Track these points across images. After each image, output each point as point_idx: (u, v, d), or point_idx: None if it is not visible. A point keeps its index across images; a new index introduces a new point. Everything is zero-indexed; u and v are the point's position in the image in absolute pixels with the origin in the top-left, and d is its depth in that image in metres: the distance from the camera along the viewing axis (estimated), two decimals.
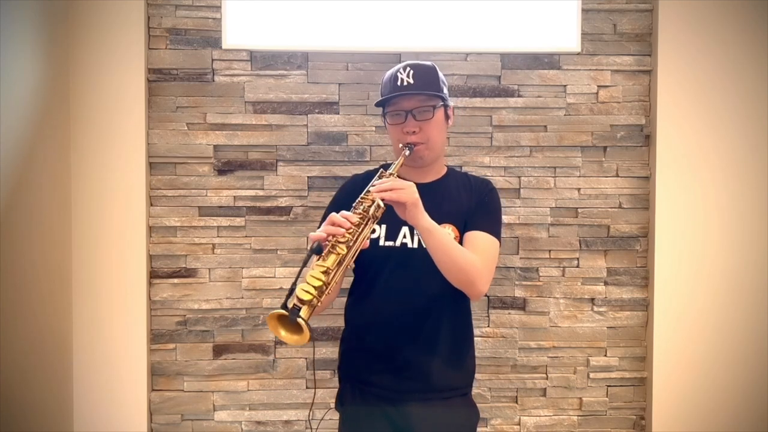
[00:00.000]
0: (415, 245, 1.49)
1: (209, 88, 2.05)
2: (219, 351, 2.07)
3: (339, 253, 1.24)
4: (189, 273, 2.06)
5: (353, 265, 1.27)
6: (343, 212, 1.31)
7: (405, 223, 1.47)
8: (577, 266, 2.11)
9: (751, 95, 2.07)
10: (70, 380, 1.99)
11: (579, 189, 2.10)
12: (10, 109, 1.65)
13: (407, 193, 1.32)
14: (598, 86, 2.10)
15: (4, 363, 1.62)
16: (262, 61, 2.05)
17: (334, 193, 2.02)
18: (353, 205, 1.35)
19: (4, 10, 1.62)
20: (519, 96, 2.09)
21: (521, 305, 2.10)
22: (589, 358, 2.12)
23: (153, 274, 2.05)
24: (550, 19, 2.07)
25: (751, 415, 2.09)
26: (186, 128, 2.05)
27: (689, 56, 2.06)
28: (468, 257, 1.40)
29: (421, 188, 1.37)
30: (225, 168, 2.05)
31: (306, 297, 1.17)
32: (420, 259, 1.47)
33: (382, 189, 1.32)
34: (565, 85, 2.09)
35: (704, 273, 2.08)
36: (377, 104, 1.55)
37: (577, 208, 2.10)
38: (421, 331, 1.49)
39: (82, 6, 1.97)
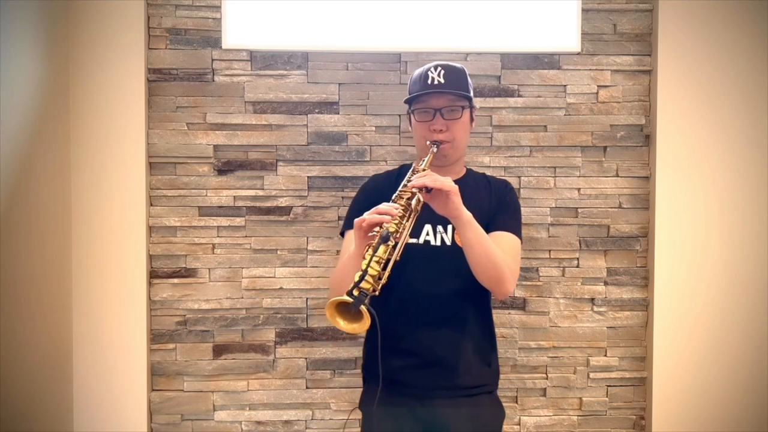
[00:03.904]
0: (438, 243, 1.51)
1: (209, 88, 2.05)
2: (219, 351, 2.07)
3: (389, 244, 1.25)
4: (189, 273, 2.06)
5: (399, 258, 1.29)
6: (387, 203, 1.31)
7: (427, 221, 1.49)
8: (577, 266, 2.11)
9: (751, 95, 2.07)
10: (70, 380, 1.99)
11: (579, 189, 2.10)
12: (10, 109, 1.65)
13: (449, 182, 1.33)
14: (598, 86, 2.10)
15: (4, 363, 1.62)
16: (262, 61, 2.05)
17: (334, 193, 2.06)
18: (392, 198, 1.36)
19: (4, 10, 1.62)
20: (519, 96, 2.09)
21: (521, 305, 2.10)
22: (589, 358, 2.12)
23: (153, 274, 2.05)
24: (550, 19, 2.07)
25: (751, 415, 2.09)
26: (186, 128, 2.05)
27: (689, 56, 2.06)
28: (501, 254, 1.41)
29: None
30: (225, 168, 2.05)
31: (366, 286, 1.19)
32: (442, 257, 1.48)
33: (423, 180, 1.32)
34: (565, 85, 2.09)
35: (704, 273, 2.08)
36: (406, 101, 1.57)
37: (577, 208, 2.10)
38: (446, 329, 1.50)
39: (82, 6, 1.97)
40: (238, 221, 2.06)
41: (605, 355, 2.12)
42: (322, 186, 2.07)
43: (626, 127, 2.10)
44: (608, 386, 2.13)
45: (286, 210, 2.07)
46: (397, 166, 1.73)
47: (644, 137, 2.11)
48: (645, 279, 2.12)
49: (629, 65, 2.10)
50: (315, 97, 2.06)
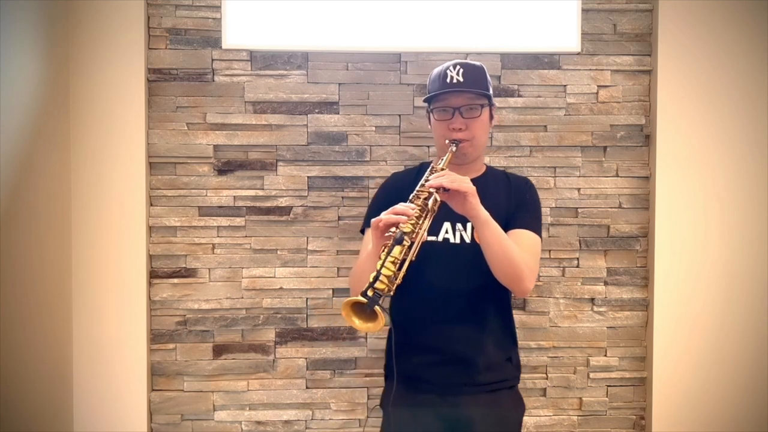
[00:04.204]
0: (457, 240, 1.52)
1: (209, 88, 2.05)
2: (219, 351, 2.07)
3: (404, 245, 1.27)
4: (189, 273, 2.06)
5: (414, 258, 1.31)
6: (404, 204, 1.33)
7: (446, 219, 1.50)
8: (577, 266, 2.11)
9: (751, 95, 2.07)
10: (70, 380, 1.99)
11: (579, 189, 2.10)
12: (10, 109, 1.65)
13: (467, 183, 1.35)
14: (598, 86, 2.10)
15: (4, 363, 1.62)
16: (262, 61, 2.05)
17: (334, 193, 2.06)
18: (410, 198, 1.37)
19: (4, 10, 1.62)
20: (519, 96, 2.09)
21: (521, 305, 2.10)
22: (589, 358, 2.12)
23: (153, 274, 2.05)
24: (550, 19, 2.07)
25: (751, 415, 2.09)
26: (186, 128, 2.05)
27: (689, 56, 2.06)
28: (519, 252, 1.42)
29: None
30: (225, 168, 2.05)
31: (380, 286, 1.22)
32: (461, 254, 1.50)
33: (440, 180, 1.34)
34: (565, 85, 2.09)
35: (704, 273, 2.08)
36: (425, 100, 1.58)
37: (577, 208, 2.10)
38: (466, 326, 1.52)
39: (82, 6, 1.97)
40: (238, 221, 2.06)
41: (605, 355, 2.12)
42: (322, 186, 2.07)
43: (626, 127, 2.10)
44: (608, 386, 2.13)
45: (286, 210, 2.07)
46: (417, 164, 1.73)
47: (644, 137, 2.11)
48: (645, 279, 2.12)
49: (629, 65, 2.10)
50: (315, 97, 2.06)
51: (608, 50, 2.10)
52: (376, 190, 2.03)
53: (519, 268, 1.40)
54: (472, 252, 1.44)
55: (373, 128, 2.07)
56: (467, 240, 1.51)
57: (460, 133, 1.50)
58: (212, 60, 2.04)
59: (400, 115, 2.07)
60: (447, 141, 1.51)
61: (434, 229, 1.50)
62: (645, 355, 2.13)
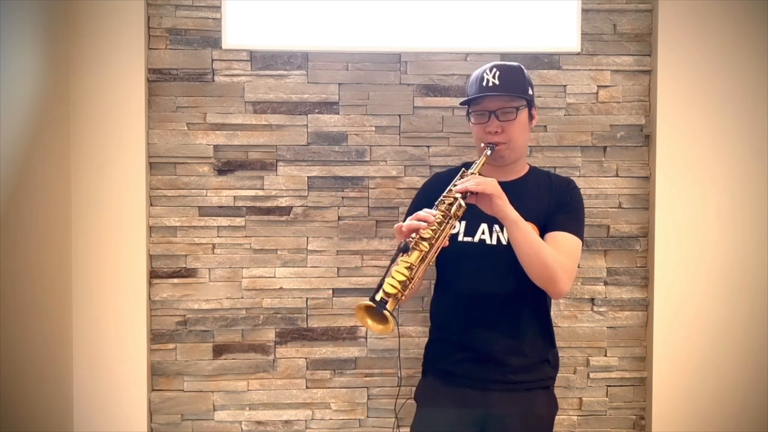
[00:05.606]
0: (494, 242, 1.53)
1: (209, 88, 2.05)
2: (219, 351, 2.07)
3: (422, 250, 1.31)
4: (189, 273, 2.06)
5: (434, 262, 1.34)
6: (427, 210, 1.36)
7: (483, 220, 1.51)
8: (577, 266, 2.10)
9: (751, 95, 2.07)
10: (70, 380, 1.99)
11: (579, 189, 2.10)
12: (10, 109, 1.65)
13: (492, 185, 1.37)
14: (598, 86, 2.10)
15: (4, 363, 1.62)
16: (262, 61, 2.05)
17: (334, 193, 2.06)
18: (435, 203, 1.39)
19: (4, 10, 1.62)
20: None
21: None
22: (589, 358, 2.12)
23: (153, 274, 2.05)
24: (550, 19, 2.07)
25: (751, 415, 2.09)
26: (186, 128, 2.05)
27: (689, 56, 2.06)
28: (553, 254, 1.43)
29: (502, 187, 1.41)
30: (225, 168, 2.05)
31: (391, 290, 1.26)
32: (497, 255, 1.51)
33: (466, 185, 1.37)
34: (565, 85, 2.09)
35: (704, 273, 2.08)
36: (462, 103, 1.60)
37: None
38: (501, 326, 1.54)
39: (82, 6, 1.97)
40: (238, 221, 2.06)
41: (605, 355, 2.12)
42: (322, 186, 2.07)
43: (626, 127, 2.10)
44: (608, 386, 2.13)
45: (286, 210, 2.07)
46: (459, 164, 1.74)
47: (644, 137, 2.11)
48: (645, 279, 2.12)
49: (629, 65, 2.10)
50: (315, 97, 2.06)
51: (608, 50, 2.10)
52: (376, 189, 2.05)
53: (552, 269, 1.41)
54: (508, 254, 1.45)
55: (373, 128, 2.07)
56: (503, 242, 1.51)
57: (497, 136, 1.52)
58: (212, 60, 2.04)
59: (400, 115, 2.07)
60: (483, 144, 1.53)
61: (471, 231, 1.53)
62: (645, 355, 2.13)
